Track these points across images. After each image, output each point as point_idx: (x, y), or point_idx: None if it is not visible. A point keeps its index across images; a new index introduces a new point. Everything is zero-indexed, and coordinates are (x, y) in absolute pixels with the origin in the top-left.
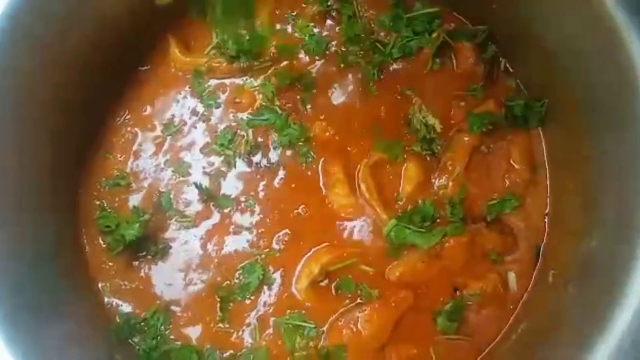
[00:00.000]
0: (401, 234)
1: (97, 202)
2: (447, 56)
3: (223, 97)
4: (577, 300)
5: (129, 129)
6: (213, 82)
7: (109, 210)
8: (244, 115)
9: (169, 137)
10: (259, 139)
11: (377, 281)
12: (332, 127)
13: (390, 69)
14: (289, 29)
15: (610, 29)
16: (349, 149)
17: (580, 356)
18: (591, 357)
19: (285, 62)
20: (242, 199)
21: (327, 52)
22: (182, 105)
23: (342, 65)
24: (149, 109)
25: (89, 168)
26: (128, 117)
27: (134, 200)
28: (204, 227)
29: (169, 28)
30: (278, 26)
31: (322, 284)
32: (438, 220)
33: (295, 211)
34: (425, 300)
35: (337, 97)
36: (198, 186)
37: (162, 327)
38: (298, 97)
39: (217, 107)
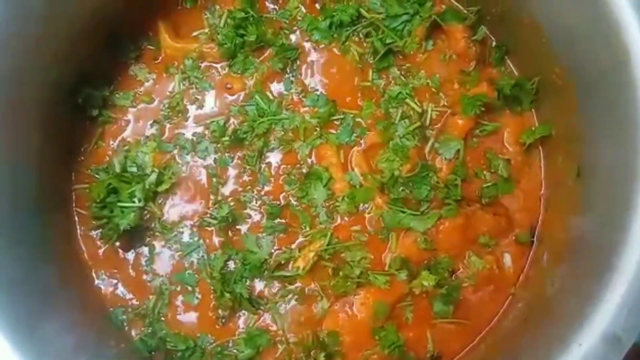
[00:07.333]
0: (396, 218)
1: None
2: (439, 39)
3: (214, 82)
4: (571, 278)
5: (120, 115)
6: (204, 67)
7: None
8: (236, 101)
9: (160, 123)
10: (251, 125)
11: (373, 264)
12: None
13: (383, 51)
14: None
15: (602, 7)
16: (342, 132)
17: (578, 330)
18: (588, 331)
19: (277, 47)
20: (237, 186)
21: (319, 36)
22: (173, 90)
23: (334, 48)
24: (140, 95)
25: (80, 153)
26: None
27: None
28: (196, 214)
29: (158, 14)
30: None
31: (318, 267)
32: (433, 203)
33: (291, 196)
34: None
35: (331, 81)
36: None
37: (159, 314)
38: (291, 81)
39: (208, 93)
